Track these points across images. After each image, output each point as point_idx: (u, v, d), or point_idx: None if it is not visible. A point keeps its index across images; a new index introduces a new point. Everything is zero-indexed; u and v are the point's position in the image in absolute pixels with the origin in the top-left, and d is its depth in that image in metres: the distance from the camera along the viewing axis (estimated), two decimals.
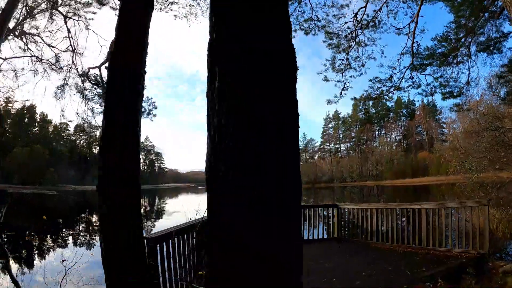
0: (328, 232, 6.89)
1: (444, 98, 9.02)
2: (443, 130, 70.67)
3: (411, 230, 5.40)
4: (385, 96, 9.07)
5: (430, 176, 54.22)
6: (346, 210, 6.94)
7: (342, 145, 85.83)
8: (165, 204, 34.51)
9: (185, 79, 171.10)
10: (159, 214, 23.09)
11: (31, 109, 65.63)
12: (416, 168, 62.42)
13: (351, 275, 4.06)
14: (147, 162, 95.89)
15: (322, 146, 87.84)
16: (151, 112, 10.06)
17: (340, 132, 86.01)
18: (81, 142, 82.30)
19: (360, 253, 5.48)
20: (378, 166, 71.72)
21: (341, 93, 8.96)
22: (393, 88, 8.83)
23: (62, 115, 10.95)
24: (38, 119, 69.85)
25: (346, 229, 6.94)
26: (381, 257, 4.99)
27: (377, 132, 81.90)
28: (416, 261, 4.50)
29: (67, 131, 78.78)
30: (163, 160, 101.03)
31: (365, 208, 6.40)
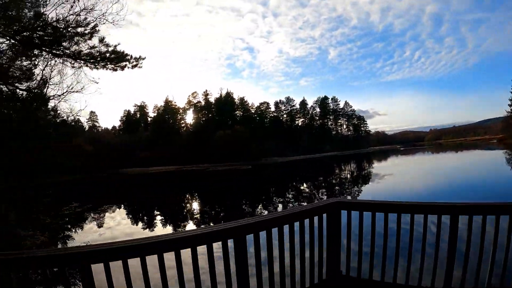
0: None
1: None
2: None
3: None
4: None
5: None
6: None
7: None
8: (370, 169, 31.40)
9: (377, 37, 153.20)
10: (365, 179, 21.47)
11: (228, 96, 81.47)
12: None
13: None
14: (350, 128, 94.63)
15: None
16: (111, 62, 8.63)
17: None
18: (284, 116, 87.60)
19: None
20: None
21: None
22: None
23: None
24: (237, 103, 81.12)
25: None
26: None
27: None
28: None
29: (269, 109, 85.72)
30: (365, 123, 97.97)
31: None
